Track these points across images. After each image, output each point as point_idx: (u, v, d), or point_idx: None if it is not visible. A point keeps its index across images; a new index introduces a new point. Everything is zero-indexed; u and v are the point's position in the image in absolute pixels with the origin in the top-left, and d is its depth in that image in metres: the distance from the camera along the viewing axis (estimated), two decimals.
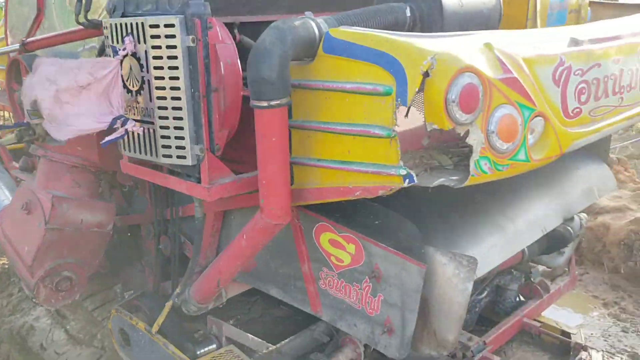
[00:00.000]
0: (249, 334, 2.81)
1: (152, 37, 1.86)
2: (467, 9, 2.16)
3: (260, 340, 2.81)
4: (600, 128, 2.15)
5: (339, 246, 2.12)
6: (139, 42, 1.90)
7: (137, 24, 1.89)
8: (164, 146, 1.95)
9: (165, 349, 2.51)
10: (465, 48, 1.67)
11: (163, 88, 1.88)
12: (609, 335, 3.61)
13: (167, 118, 1.91)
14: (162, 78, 1.87)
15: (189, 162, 1.92)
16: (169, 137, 1.93)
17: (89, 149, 2.53)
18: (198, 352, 2.54)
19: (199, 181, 1.96)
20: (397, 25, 2.05)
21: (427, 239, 2.24)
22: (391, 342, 2.03)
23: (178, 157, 1.93)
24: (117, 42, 1.98)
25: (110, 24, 2.00)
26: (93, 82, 1.88)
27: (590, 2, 3.50)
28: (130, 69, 1.96)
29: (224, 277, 2.24)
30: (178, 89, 1.85)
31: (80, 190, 2.58)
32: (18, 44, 2.85)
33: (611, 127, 2.23)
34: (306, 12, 1.84)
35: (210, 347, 2.61)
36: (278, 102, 1.71)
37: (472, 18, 2.20)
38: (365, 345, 2.49)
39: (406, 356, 2.04)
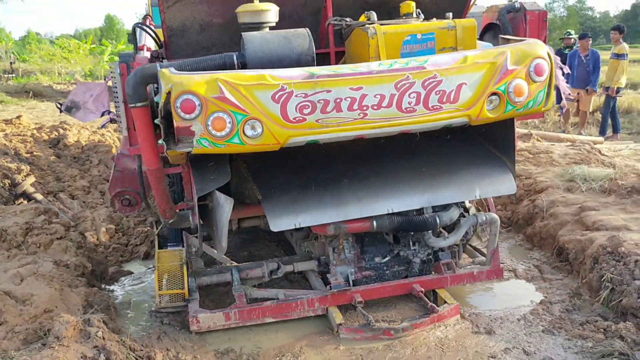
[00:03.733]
0: (213, 249, 4.52)
1: (111, 72, 3.81)
2: (272, 54, 3.51)
3: (222, 255, 4.52)
4: (334, 130, 3.27)
5: None
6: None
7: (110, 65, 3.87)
8: (119, 127, 3.89)
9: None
10: (199, 80, 3.15)
11: (115, 97, 3.82)
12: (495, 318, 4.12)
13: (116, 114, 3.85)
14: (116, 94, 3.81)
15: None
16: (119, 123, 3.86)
17: None
18: (168, 248, 4.41)
19: None
20: (226, 66, 3.55)
21: (281, 194, 3.73)
22: None
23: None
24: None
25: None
26: (94, 93, 3.94)
27: (501, 38, 4.16)
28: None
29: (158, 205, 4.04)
30: (118, 98, 3.77)
31: None
32: None
33: (352, 131, 3.30)
34: (164, 61, 3.56)
35: (178, 247, 4.44)
36: (134, 105, 3.45)
37: (280, 60, 3.53)
38: None
39: None
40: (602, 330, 3.74)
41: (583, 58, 10.49)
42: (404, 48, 3.81)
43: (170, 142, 3.31)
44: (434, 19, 4.06)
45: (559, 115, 11.50)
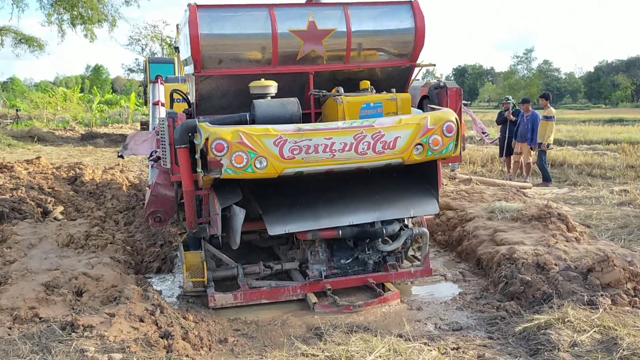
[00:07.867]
0: (223, 254, 6.13)
1: (161, 124, 5.53)
2: (273, 115, 5.26)
3: (228, 258, 6.13)
4: (313, 165, 4.99)
5: None
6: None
7: (159, 119, 5.59)
8: (163, 162, 5.58)
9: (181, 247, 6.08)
10: (227, 131, 4.87)
11: (162, 142, 5.52)
12: (420, 302, 5.77)
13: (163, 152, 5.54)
14: (163, 139, 5.51)
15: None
16: (163, 159, 5.55)
17: None
18: (189, 251, 6.01)
19: None
20: (242, 122, 5.29)
21: (276, 210, 5.38)
22: None
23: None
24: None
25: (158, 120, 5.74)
26: (145, 139, 5.64)
27: (429, 106, 6.01)
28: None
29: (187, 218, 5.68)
30: (164, 141, 5.47)
31: (168, 183, 6.34)
32: None
33: (325, 166, 5.02)
34: (200, 117, 5.30)
35: (198, 251, 6.03)
36: (179, 146, 5.16)
37: (278, 118, 5.28)
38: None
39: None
40: (495, 307, 5.43)
41: (525, 118, 12.51)
42: (361, 112, 5.61)
43: (205, 171, 5.00)
44: (384, 92, 5.90)
45: (502, 162, 13.54)
